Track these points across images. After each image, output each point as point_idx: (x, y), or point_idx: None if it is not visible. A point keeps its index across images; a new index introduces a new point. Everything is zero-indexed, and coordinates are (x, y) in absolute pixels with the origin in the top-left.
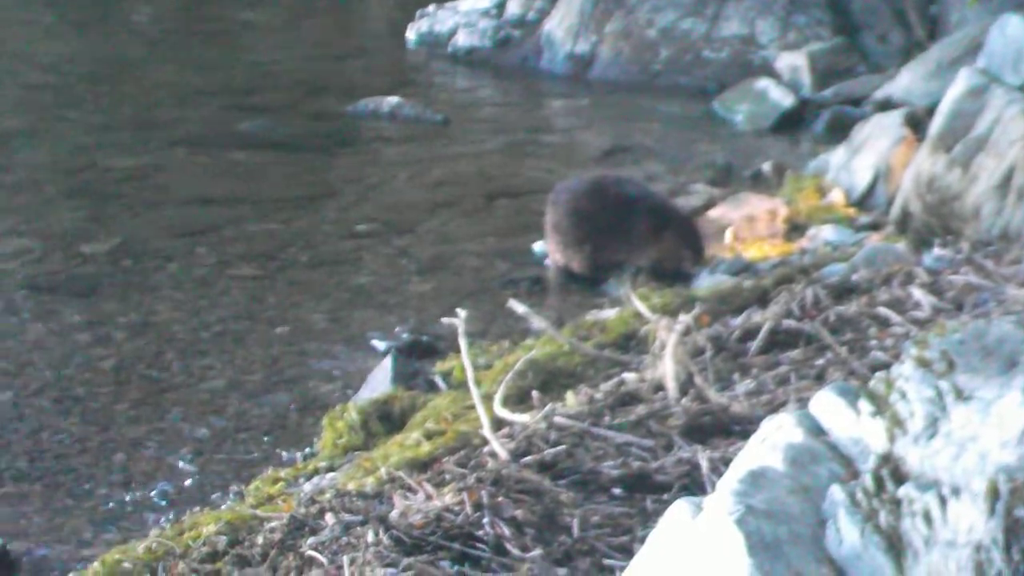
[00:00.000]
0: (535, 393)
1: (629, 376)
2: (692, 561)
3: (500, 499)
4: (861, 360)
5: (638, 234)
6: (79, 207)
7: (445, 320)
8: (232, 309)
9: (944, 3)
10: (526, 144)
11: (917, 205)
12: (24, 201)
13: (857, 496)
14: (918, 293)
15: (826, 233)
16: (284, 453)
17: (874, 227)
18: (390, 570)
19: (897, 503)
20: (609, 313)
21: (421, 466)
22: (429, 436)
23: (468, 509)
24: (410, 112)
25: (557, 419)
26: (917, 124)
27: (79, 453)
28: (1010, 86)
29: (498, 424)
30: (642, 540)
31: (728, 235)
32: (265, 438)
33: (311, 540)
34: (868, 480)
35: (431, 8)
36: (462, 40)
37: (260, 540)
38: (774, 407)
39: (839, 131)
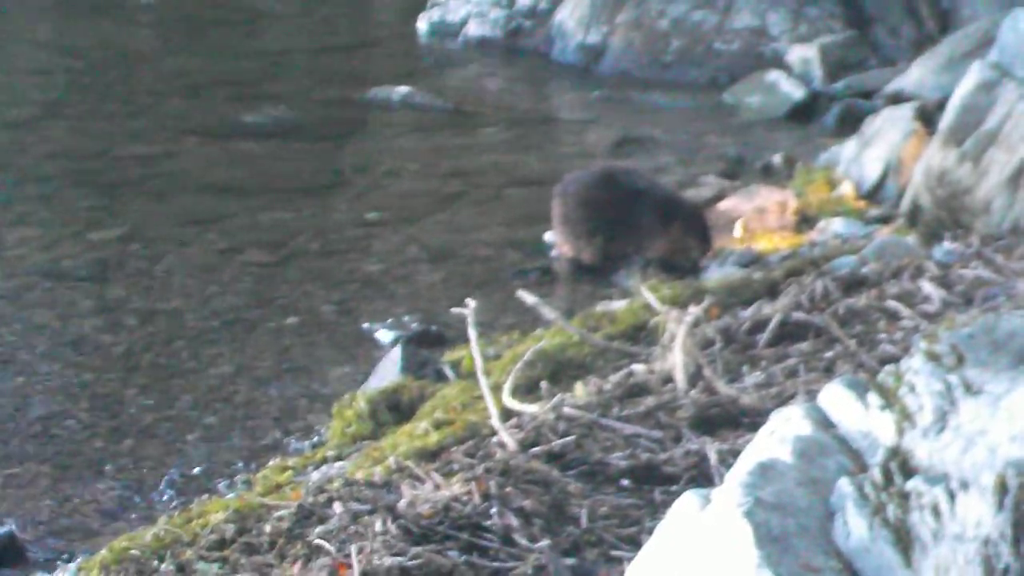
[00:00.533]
0: (544, 384)
1: (638, 367)
2: (700, 553)
3: (508, 489)
4: (870, 353)
5: (646, 226)
6: (90, 195)
7: (454, 310)
8: (242, 297)
9: None
10: (536, 134)
11: (927, 199)
12: (35, 189)
13: (865, 489)
14: (928, 287)
15: (836, 226)
16: (293, 442)
17: (884, 220)
18: (398, 559)
19: (905, 496)
20: (619, 304)
21: (429, 456)
22: (438, 426)
23: (476, 499)
24: (421, 101)
25: (566, 410)
26: (928, 118)
27: (88, 439)
28: (1021, 80)
29: (507, 414)
30: (650, 531)
31: (738, 227)
32: (274, 426)
33: (319, 529)
34: (876, 473)
35: None
36: (473, 30)
37: (268, 528)
38: (783, 399)
39: (850, 124)
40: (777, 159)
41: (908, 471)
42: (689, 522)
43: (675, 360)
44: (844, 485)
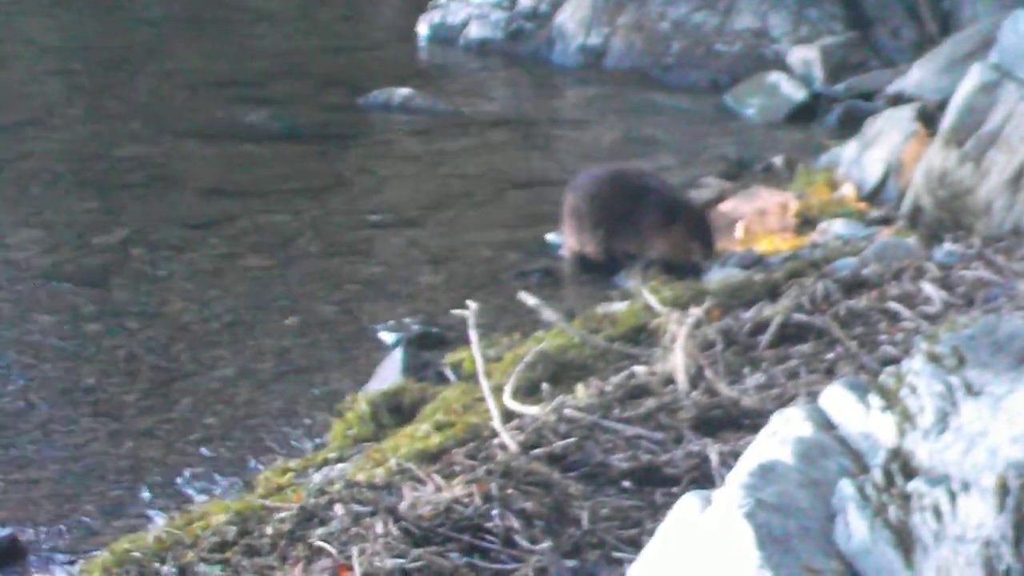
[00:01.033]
0: (545, 385)
1: (639, 369)
2: (701, 554)
3: (510, 491)
4: (871, 354)
5: (648, 225)
6: (90, 197)
7: (455, 311)
8: (242, 299)
9: None
10: (537, 136)
11: (928, 200)
12: (35, 191)
13: (866, 490)
14: (929, 288)
15: (837, 227)
16: (294, 443)
17: (885, 221)
18: (399, 561)
19: (906, 498)
20: (620, 306)
21: (431, 457)
22: (439, 428)
23: (477, 501)
24: (422, 104)
25: (567, 411)
26: (929, 119)
27: (89, 442)
28: (1022, 81)
29: (508, 416)
30: (651, 533)
31: (739, 228)
32: (275, 428)
33: (320, 531)
34: (878, 474)
35: (443, 0)
36: (474, 32)
37: (269, 530)
38: (784, 401)
39: (851, 125)
40: (778, 160)
41: (909, 472)
42: (690, 524)
43: (676, 361)
44: (845, 486)
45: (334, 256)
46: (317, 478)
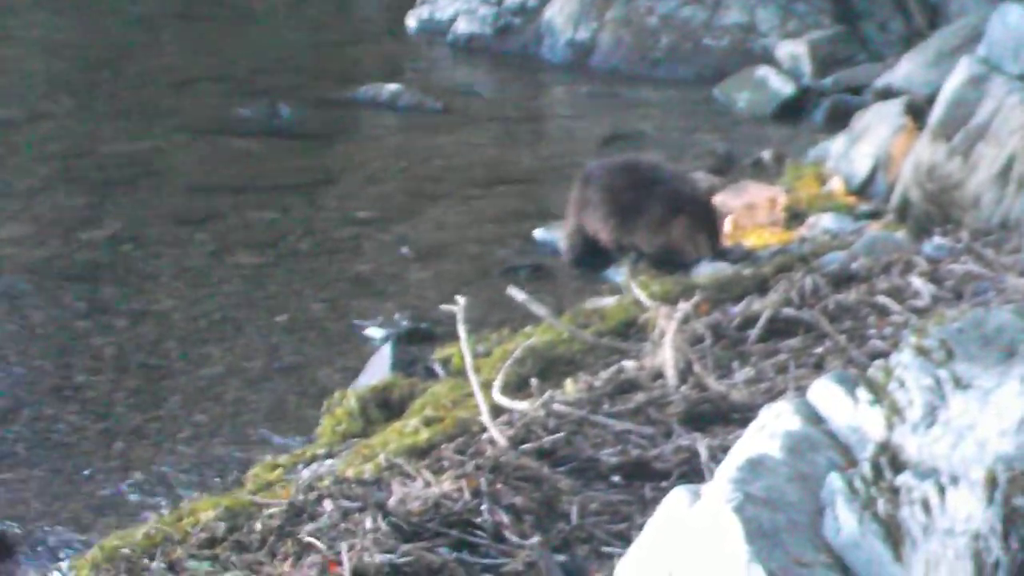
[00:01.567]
0: (534, 380)
1: (628, 364)
2: (690, 548)
3: (499, 486)
4: (860, 348)
5: (653, 217)
6: (79, 193)
7: (444, 307)
8: (231, 296)
9: None
10: (526, 132)
11: (917, 194)
12: (24, 187)
13: (855, 484)
14: (917, 282)
15: (826, 221)
16: (283, 440)
17: (874, 216)
18: (388, 556)
19: (895, 491)
20: (609, 301)
21: (420, 453)
22: (428, 423)
23: (467, 496)
24: (410, 99)
25: (556, 406)
26: (917, 113)
27: (78, 439)
28: (1010, 75)
29: (497, 411)
30: (640, 527)
31: (728, 223)
32: (264, 425)
33: (310, 526)
34: (866, 468)
35: None
36: (462, 27)
37: (259, 526)
38: (773, 395)
39: (839, 119)
40: (767, 155)
41: (898, 466)
42: (679, 518)
43: (665, 356)
44: (834, 480)
45: (323, 252)
46: (306, 474)
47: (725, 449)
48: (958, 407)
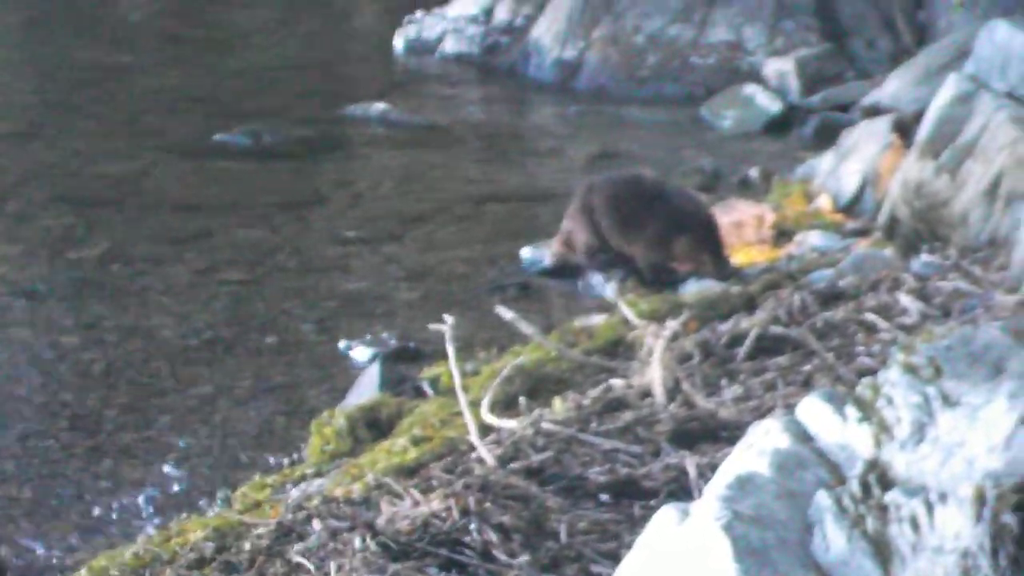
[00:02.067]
0: (522, 399)
1: (617, 382)
2: (679, 567)
3: (487, 505)
4: (848, 366)
5: (658, 234)
6: (68, 212)
7: (432, 326)
8: (220, 315)
9: (932, 9)
10: (513, 150)
11: (905, 211)
12: (13, 206)
13: (844, 502)
14: (905, 299)
15: (813, 239)
16: (271, 459)
17: (862, 233)
18: None
19: (884, 509)
20: (597, 319)
21: (408, 472)
22: (416, 442)
23: (455, 515)
24: (398, 118)
25: (544, 425)
26: (905, 130)
27: (67, 459)
28: (998, 92)
29: (485, 430)
30: (629, 546)
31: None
32: (252, 444)
33: (298, 546)
34: (855, 486)
35: (419, 14)
36: (450, 46)
37: (247, 546)
38: (761, 413)
39: (827, 137)
40: (754, 173)
41: (886, 483)
42: (668, 536)
43: (653, 374)
44: (822, 498)
45: (311, 272)
46: (295, 494)
47: (714, 467)
48: (946, 424)
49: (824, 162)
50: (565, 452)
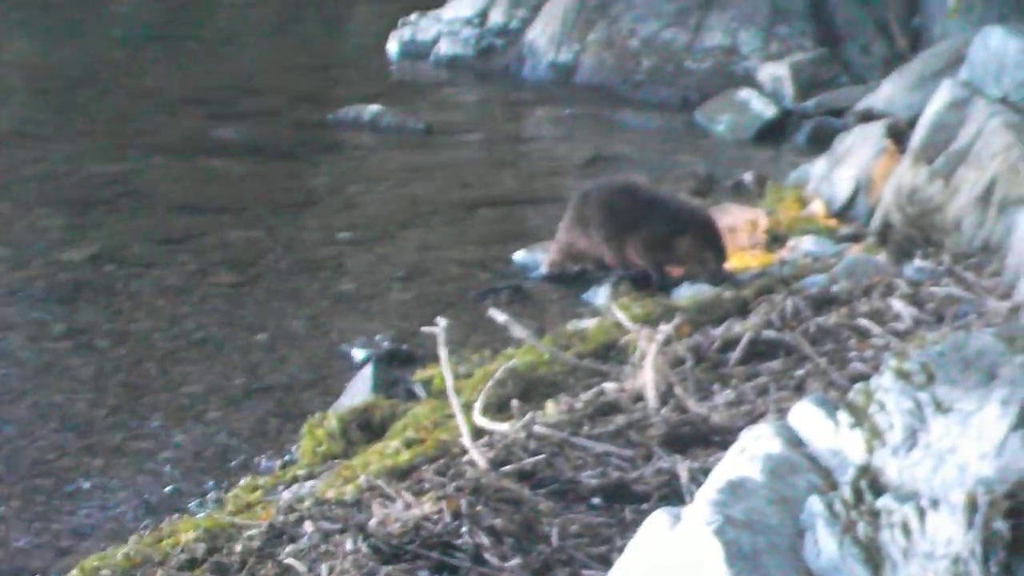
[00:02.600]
0: (515, 402)
1: (609, 386)
2: (671, 571)
3: (479, 508)
4: (841, 371)
5: (660, 236)
6: (59, 214)
7: (425, 329)
8: (212, 316)
9: (927, 15)
10: (508, 153)
11: (898, 216)
12: (3, 207)
13: (835, 507)
14: (898, 304)
15: (807, 244)
16: (263, 461)
17: (855, 238)
18: None
19: (875, 514)
20: (590, 322)
21: (400, 474)
22: (408, 444)
23: (447, 518)
24: (392, 120)
25: (537, 428)
26: (899, 135)
27: (58, 459)
28: (992, 98)
29: (478, 433)
30: (621, 550)
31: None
32: (244, 446)
33: (290, 548)
34: (847, 491)
35: (414, 16)
36: (445, 49)
37: (239, 548)
38: (754, 417)
39: (821, 142)
40: (748, 177)
41: (878, 489)
42: (660, 540)
43: (646, 378)
44: (814, 503)
45: (304, 273)
46: (286, 495)
47: (705, 472)
48: (939, 430)
49: (818, 167)
50: (557, 455)
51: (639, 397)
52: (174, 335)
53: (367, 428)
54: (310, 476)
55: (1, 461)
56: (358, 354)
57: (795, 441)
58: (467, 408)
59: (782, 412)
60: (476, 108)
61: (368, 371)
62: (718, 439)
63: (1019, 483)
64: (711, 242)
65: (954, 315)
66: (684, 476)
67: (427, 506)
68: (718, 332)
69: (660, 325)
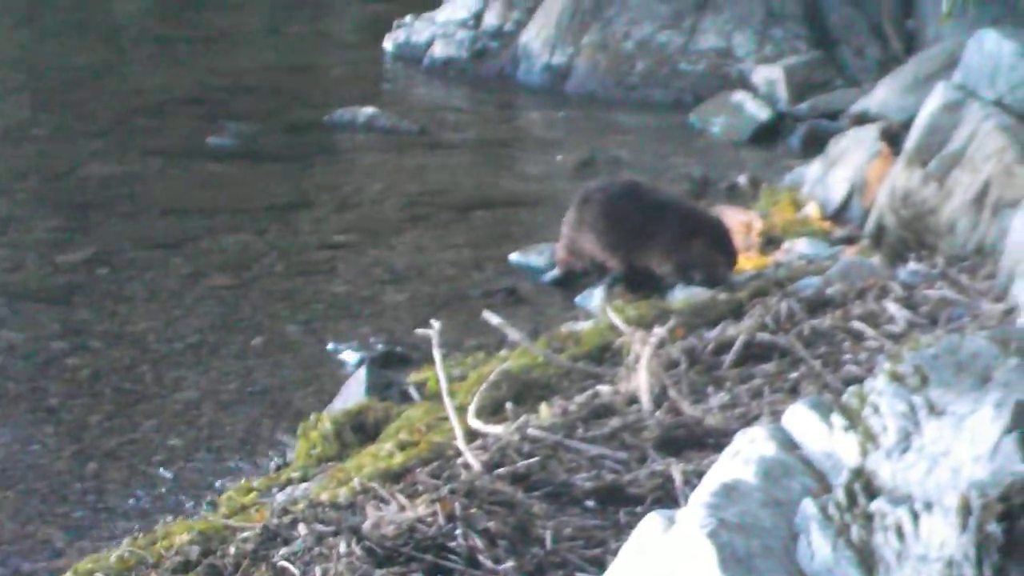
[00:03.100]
0: (509, 405)
1: (603, 388)
2: (664, 574)
3: (473, 511)
4: (835, 374)
5: (671, 239)
6: (54, 215)
7: (419, 331)
8: (207, 319)
9: (921, 17)
10: (502, 155)
11: (892, 219)
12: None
13: (829, 510)
14: (892, 307)
15: (801, 246)
16: (257, 463)
17: (849, 241)
18: None
19: (869, 517)
20: (584, 325)
21: (394, 477)
22: (402, 447)
23: (441, 520)
24: (386, 123)
25: (531, 431)
26: (893, 138)
27: (53, 462)
28: (986, 101)
29: (472, 436)
30: (615, 553)
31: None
32: (239, 448)
33: (283, 551)
34: (840, 494)
35: (408, 19)
36: (439, 51)
37: (232, 550)
38: (748, 420)
39: (815, 144)
40: (742, 180)
41: (872, 492)
42: (654, 543)
43: (640, 381)
44: (808, 506)
45: (298, 276)
46: (280, 498)
47: (699, 474)
48: (932, 433)
49: (812, 170)
50: (551, 458)
51: (633, 400)
52: (169, 338)
53: (361, 430)
54: (304, 478)
55: None
56: (352, 356)
57: (789, 444)
58: (461, 410)
59: (776, 415)
60: (470, 110)
61: (362, 373)
62: (712, 442)
63: (1013, 486)
64: (723, 246)
65: (948, 318)
66: (678, 479)
67: (421, 508)
68: (712, 335)
69: (654, 328)
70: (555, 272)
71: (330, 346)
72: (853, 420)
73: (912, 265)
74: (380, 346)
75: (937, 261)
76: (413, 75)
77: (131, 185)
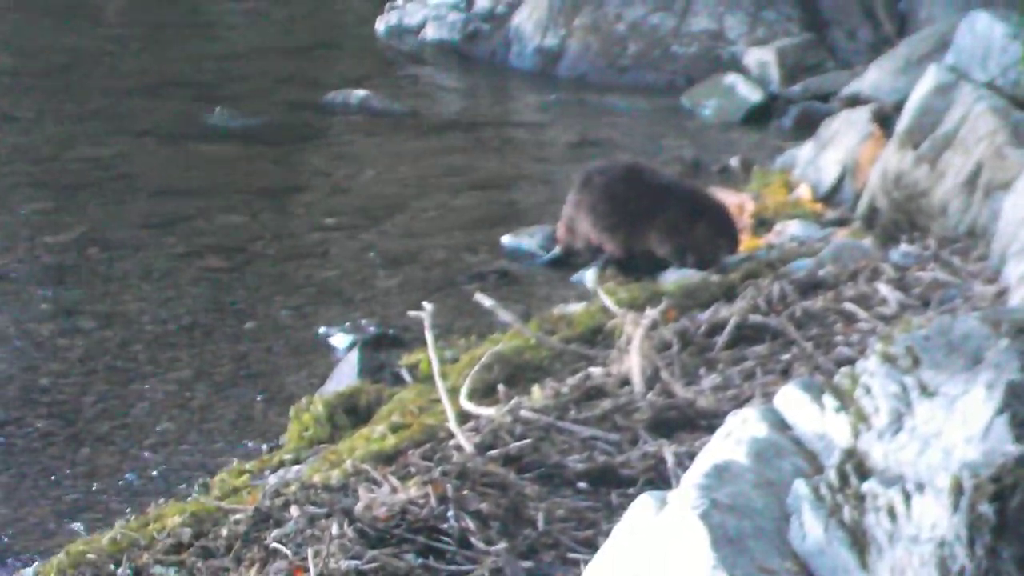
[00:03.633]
0: (501, 387)
1: (595, 370)
2: (656, 555)
3: (465, 492)
4: (827, 355)
5: (673, 223)
6: (45, 197)
7: (411, 313)
8: (199, 301)
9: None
10: (494, 138)
11: (884, 201)
12: None
13: (821, 491)
14: (884, 289)
15: (793, 228)
16: (250, 445)
17: (841, 223)
18: (354, 563)
19: (861, 498)
20: (576, 307)
21: (386, 459)
22: (395, 429)
23: (433, 502)
24: (378, 105)
25: (523, 413)
26: (885, 120)
27: (45, 445)
28: (978, 83)
29: (464, 417)
30: (607, 534)
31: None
32: (231, 430)
33: (275, 532)
34: (832, 475)
35: (400, 1)
36: (431, 33)
37: (225, 532)
38: (740, 402)
39: (807, 126)
40: (734, 162)
41: (864, 473)
42: (646, 524)
43: (632, 363)
44: (800, 487)
45: (291, 258)
46: (273, 480)
47: (692, 456)
48: (924, 414)
49: (804, 152)
50: (543, 440)
51: (625, 381)
52: (161, 320)
53: (353, 413)
54: (296, 461)
55: None
56: (344, 339)
57: (781, 425)
58: (453, 393)
59: (768, 396)
60: (462, 93)
61: (354, 356)
62: (704, 423)
63: (1004, 467)
64: (726, 229)
65: (940, 299)
66: (670, 460)
67: (413, 490)
68: (704, 316)
69: (646, 309)
70: (555, 251)
71: (322, 329)
72: (845, 401)
73: (904, 247)
74: (372, 328)
75: (929, 243)
76: (405, 57)
77: (122, 166)
